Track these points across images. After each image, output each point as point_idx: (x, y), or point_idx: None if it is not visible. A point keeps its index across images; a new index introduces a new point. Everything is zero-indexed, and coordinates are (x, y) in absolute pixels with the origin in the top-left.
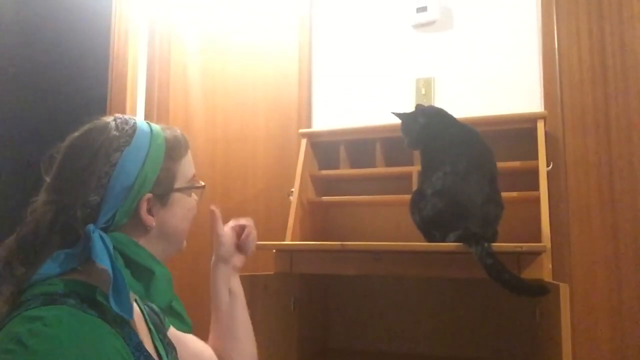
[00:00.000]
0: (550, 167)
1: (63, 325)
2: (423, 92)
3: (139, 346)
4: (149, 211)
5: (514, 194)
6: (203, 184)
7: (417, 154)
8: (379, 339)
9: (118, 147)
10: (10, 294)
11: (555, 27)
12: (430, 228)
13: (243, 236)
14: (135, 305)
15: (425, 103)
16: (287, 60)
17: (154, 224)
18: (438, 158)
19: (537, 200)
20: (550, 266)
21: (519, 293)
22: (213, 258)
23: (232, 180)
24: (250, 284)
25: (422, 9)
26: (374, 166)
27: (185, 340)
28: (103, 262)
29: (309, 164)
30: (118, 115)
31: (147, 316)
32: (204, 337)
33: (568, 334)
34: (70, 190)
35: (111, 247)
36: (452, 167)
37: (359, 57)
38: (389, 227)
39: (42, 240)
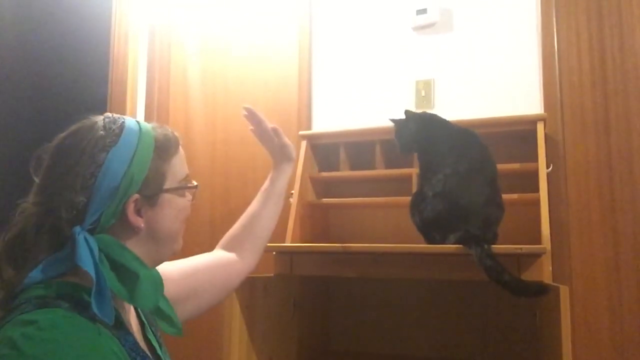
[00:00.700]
0: (550, 169)
1: (57, 328)
2: (423, 94)
3: (134, 346)
4: (138, 212)
5: (514, 195)
6: (195, 183)
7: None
8: (379, 341)
9: (104, 147)
10: (2, 298)
11: (555, 29)
12: (431, 230)
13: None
14: None
15: (425, 105)
16: (287, 62)
17: (142, 225)
18: (438, 160)
19: (537, 202)
20: (550, 268)
21: (518, 294)
22: (283, 164)
23: (232, 182)
24: (250, 286)
25: (422, 11)
26: (373, 168)
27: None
28: (86, 266)
29: (309, 166)
30: (108, 114)
31: (140, 310)
32: (202, 338)
33: (568, 335)
34: (57, 192)
35: (96, 250)
36: (452, 169)
37: (359, 59)
38: (389, 229)
39: (30, 242)
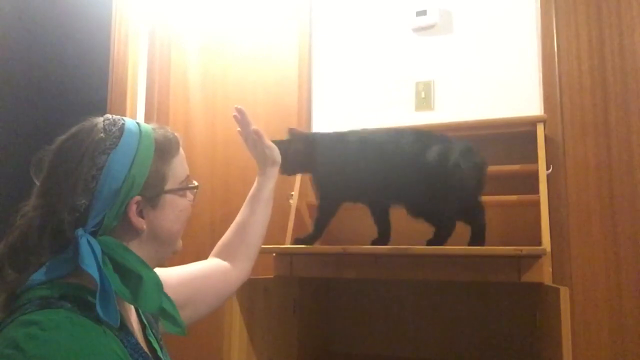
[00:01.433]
0: (550, 170)
1: (60, 328)
2: (423, 95)
3: (136, 347)
4: (140, 213)
5: (514, 197)
6: (196, 184)
7: None
8: (379, 342)
9: (104, 149)
10: (5, 299)
11: (554, 30)
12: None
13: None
14: None
15: (425, 106)
16: (287, 63)
17: (144, 226)
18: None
19: (537, 204)
20: (551, 269)
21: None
22: (267, 168)
23: (232, 184)
24: (250, 287)
25: (422, 13)
26: None
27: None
28: (89, 268)
29: None
30: (107, 116)
31: (141, 312)
32: (202, 340)
33: (568, 337)
34: (58, 195)
35: (99, 252)
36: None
37: (359, 61)
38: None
39: (32, 245)
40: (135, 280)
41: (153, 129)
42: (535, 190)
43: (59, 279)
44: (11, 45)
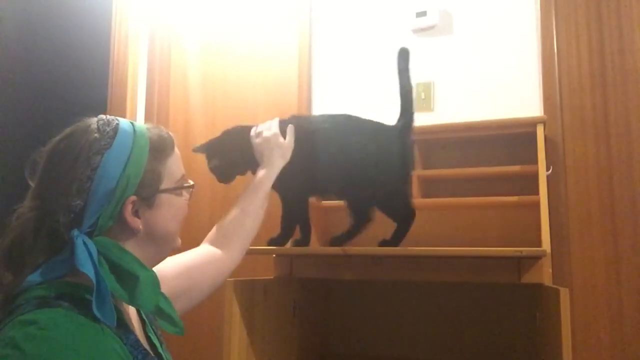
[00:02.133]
0: (550, 171)
1: (58, 327)
2: (422, 96)
3: (135, 344)
4: (136, 213)
5: (514, 198)
6: (192, 182)
7: (420, 155)
8: (379, 344)
9: (99, 150)
10: (2, 300)
11: (554, 32)
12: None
13: None
14: None
15: (425, 107)
16: (287, 64)
17: (140, 226)
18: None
19: (537, 205)
20: (551, 270)
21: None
22: (279, 161)
23: (232, 184)
24: (250, 288)
25: (422, 14)
26: None
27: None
28: (85, 269)
29: None
30: (102, 116)
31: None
32: (202, 340)
33: (568, 338)
34: (53, 196)
35: (95, 253)
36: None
37: (359, 61)
38: (389, 231)
39: (28, 247)
40: (132, 280)
41: (147, 128)
42: (535, 191)
43: (55, 279)
44: (11, 46)
